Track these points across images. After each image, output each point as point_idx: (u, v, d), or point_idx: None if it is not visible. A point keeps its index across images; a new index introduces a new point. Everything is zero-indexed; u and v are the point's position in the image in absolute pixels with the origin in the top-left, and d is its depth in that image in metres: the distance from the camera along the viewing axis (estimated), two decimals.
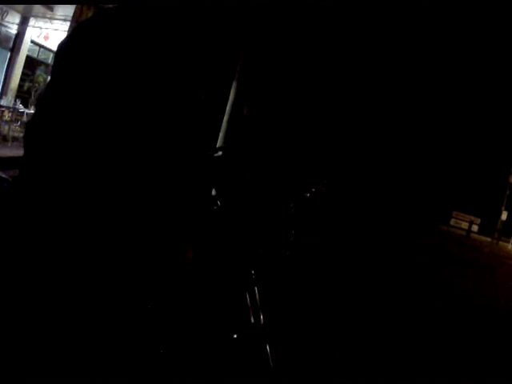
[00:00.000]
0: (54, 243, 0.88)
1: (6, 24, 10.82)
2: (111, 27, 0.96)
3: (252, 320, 1.40)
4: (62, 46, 1.00)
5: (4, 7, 10.43)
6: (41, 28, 11.41)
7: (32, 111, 9.01)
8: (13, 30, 11.16)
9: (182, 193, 1.01)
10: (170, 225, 1.00)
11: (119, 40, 0.94)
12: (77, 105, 0.91)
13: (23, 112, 9.11)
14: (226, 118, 8.77)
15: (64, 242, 0.88)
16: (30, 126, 0.98)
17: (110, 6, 1.06)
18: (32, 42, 11.71)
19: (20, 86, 11.80)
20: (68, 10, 9.92)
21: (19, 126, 8.76)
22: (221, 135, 8.72)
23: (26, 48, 11.58)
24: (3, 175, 1.48)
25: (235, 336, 1.39)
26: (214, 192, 1.47)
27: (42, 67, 12.73)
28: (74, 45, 0.97)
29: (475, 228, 29.01)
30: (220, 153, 1.48)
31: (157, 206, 0.95)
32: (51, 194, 0.90)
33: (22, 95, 11.32)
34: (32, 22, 11.18)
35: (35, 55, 12.41)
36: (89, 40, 0.95)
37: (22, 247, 0.89)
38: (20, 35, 11.29)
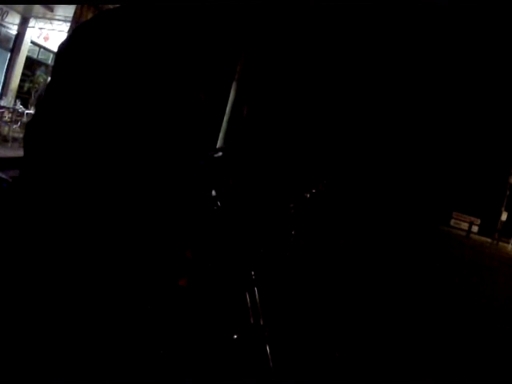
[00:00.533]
0: (55, 244, 0.88)
1: (5, 24, 10.82)
2: (112, 28, 0.96)
3: (252, 320, 1.40)
4: (63, 46, 1.00)
5: (4, 7, 10.43)
6: (41, 29, 11.41)
7: (32, 112, 9.00)
8: (13, 30, 11.16)
9: (182, 193, 1.01)
10: (169, 225, 1.00)
11: (120, 41, 0.94)
12: (77, 106, 0.91)
13: (23, 112, 9.11)
14: (226, 118, 8.78)
15: (64, 243, 0.88)
16: (30, 126, 0.98)
17: (110, 6, 1.06)
18: (32, 42, 11.70)
19: (20, 86, 11.79)
20: (68, 11, 9.91)
21: (19, 127, 8.76)
22: (221, 135, 8.73)
23: (26, 49, 11.58)
24: (3, 176, 1.48)
25: (235, 337, 1.39)
26: (213, 193, 1.47)
27: (42, 68, 12.72)
28: (74, 46, 0.97)
29: (475, 229, 29.05)
30: (220, 153, 1.48)
31: (157, 207, 0.95)
32: (51, 194, 0.90)
33: (22, 96, 11.32)
34: (32, 22, 11.18)
35: (35, 56, 12.41)
36: (89, 41, 0.95)
37: (23, 248, 0.89)
38: (20, 36, 11.29)
